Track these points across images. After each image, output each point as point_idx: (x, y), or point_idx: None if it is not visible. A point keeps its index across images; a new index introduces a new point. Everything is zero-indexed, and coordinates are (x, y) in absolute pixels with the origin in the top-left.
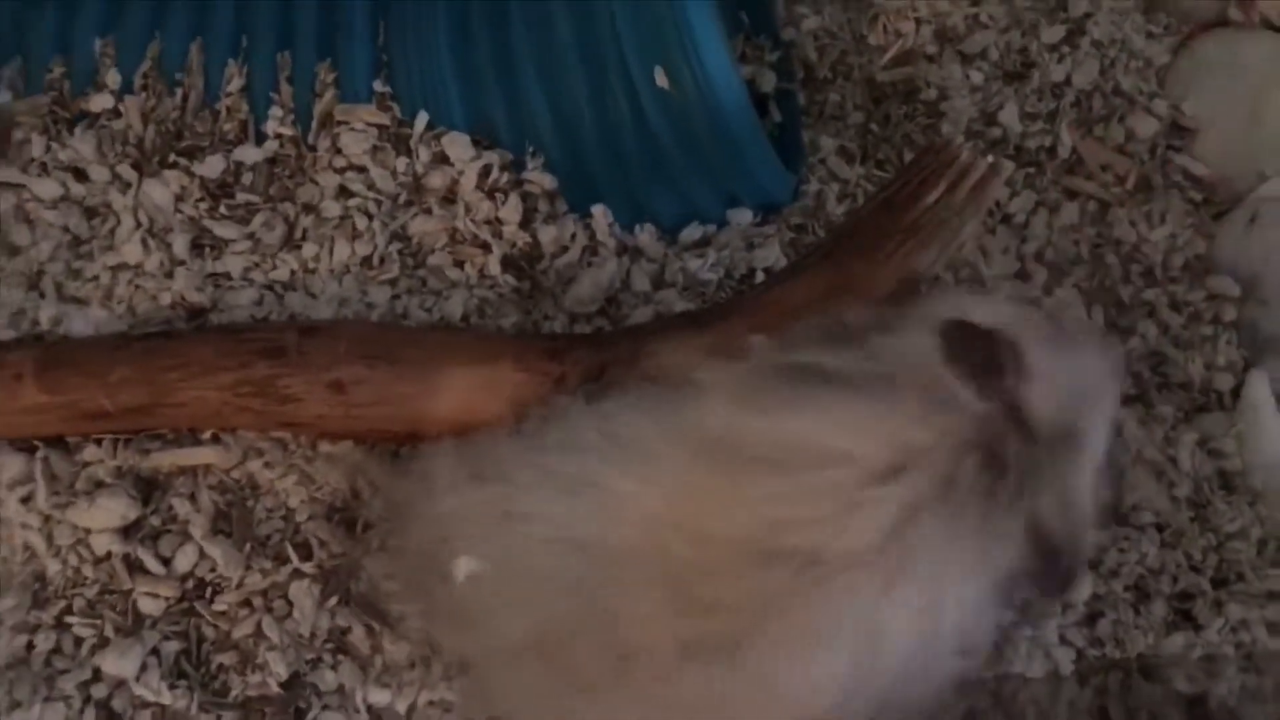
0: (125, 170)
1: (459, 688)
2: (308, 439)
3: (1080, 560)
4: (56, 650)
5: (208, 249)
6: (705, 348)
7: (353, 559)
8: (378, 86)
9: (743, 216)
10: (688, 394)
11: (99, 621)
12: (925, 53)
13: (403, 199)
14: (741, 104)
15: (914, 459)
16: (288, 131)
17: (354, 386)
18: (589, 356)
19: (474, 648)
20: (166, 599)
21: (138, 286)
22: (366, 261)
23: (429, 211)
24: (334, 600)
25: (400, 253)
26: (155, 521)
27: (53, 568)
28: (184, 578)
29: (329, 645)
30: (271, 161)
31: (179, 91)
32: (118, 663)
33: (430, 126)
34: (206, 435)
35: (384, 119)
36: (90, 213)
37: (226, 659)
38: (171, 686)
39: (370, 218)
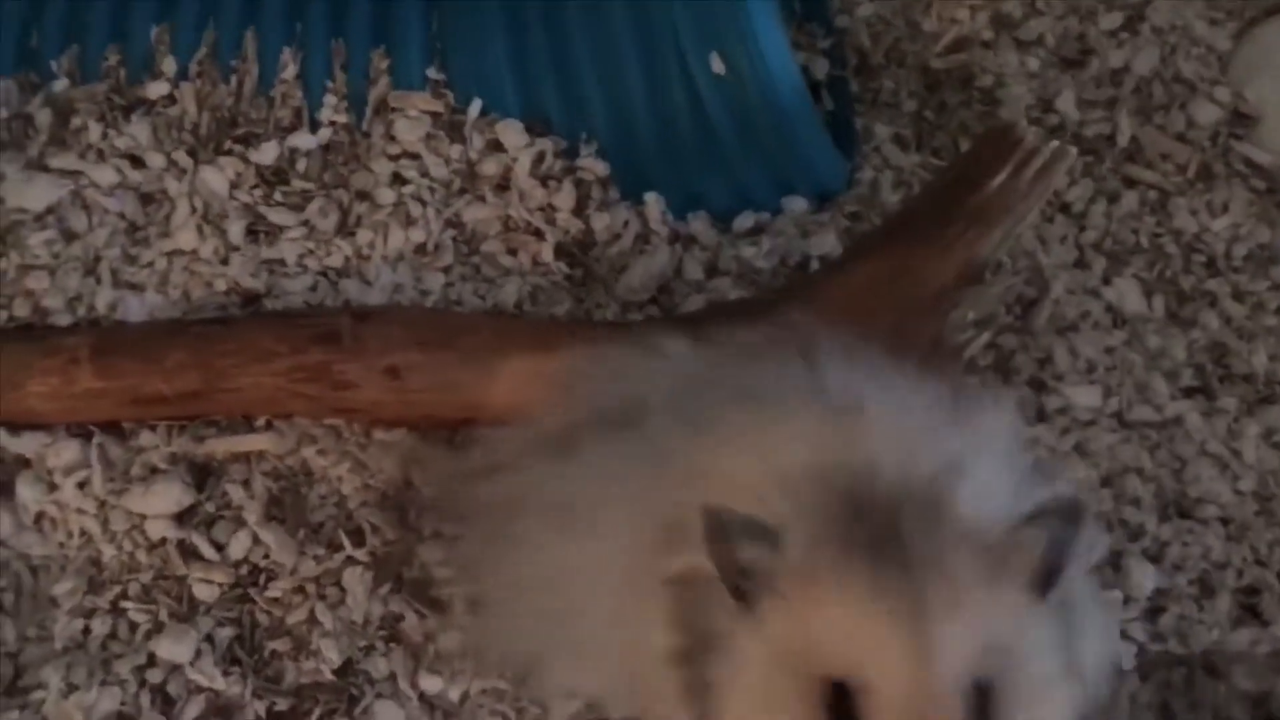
0: (181, 157)
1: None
2: (361, 425)
3: None
4: (112, 635)
5: (262, 235)
6: (761, 335)
7: (406, 546)
8: (432, 74)
9: (797, 204)
10: None
11: (154, 607)
12: (981, 39)
13: (456, 186)
14: (798, 89)
15: None
16: (342, 119)
17: (409, 372)
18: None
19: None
20: (220, 585)
21: (193, 273)
22: (420, 249)
23: (483, 199)
24: (386, 587)
25: (454, 240)
26: (210, 508)
27: (108, 553)
28: (238, 564)
29: (381, 632)
30: (326, 148)
31: (234, 79)
32: (172, 648)
33: (484, 113)
34: (260, 422)
35: (438, 106)
36: (146, 199)
37: (280, 645)
38: (225, 673)
39: (424, 205)
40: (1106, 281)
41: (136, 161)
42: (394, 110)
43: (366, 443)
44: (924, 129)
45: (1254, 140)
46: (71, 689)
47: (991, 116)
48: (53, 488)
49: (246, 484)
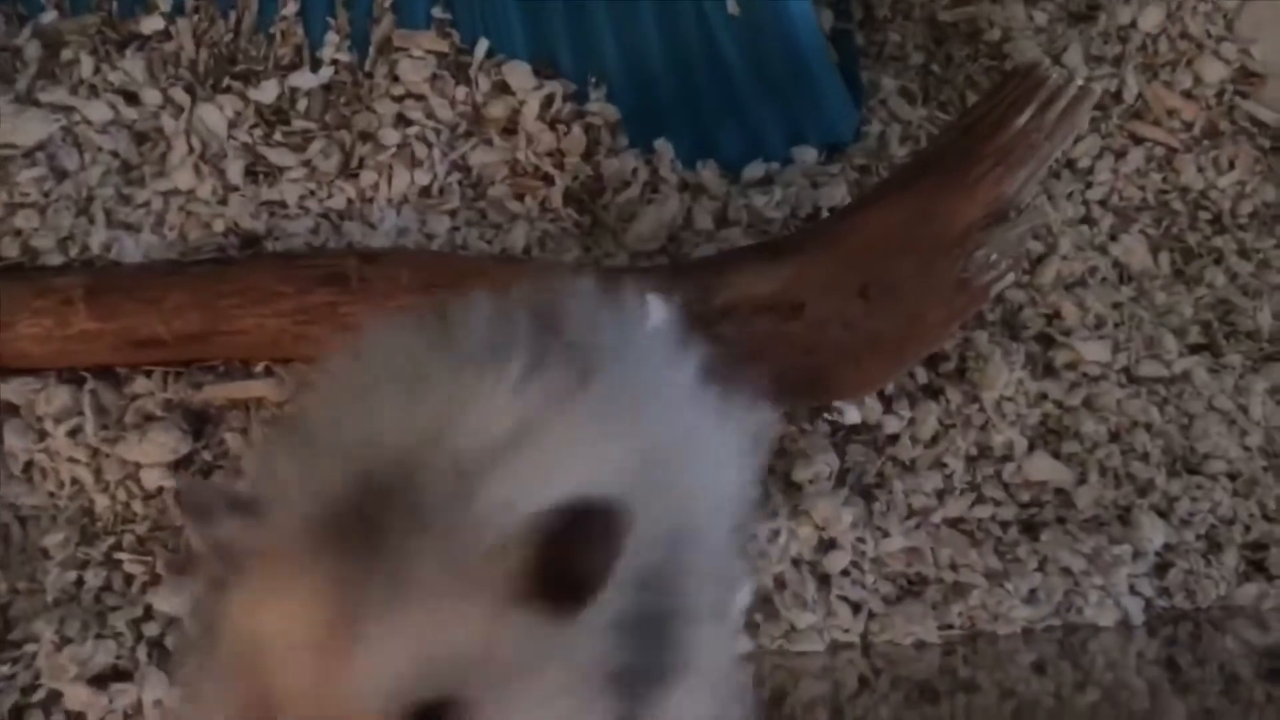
0: (178, 94)
1: None
2: None
3: None
4: (106, 587)
5: (262, 176)
6: (783, 279)
7: None
8: (437, 13)
9: (807, 155)
10: None
11: (150, 558)
12: None
13: (462, 129)
14: (812, 30)
15: None
16: (344, 58)
17: None
18: (658, 291)
19: None
20: None
21: (190, 213)
22: (425, 191)
23: (489, 142)
24: None
25: (460, 183)
26: (207, 456)
27: (101, 503)
28: None
29: None
30: (327, 88)
31: (232, 14)
32: (170, 600)
33: (491, 54)
34: (259, 368)
35: (443, 46)
36: (141, 137)
37: None
38: None
39: (430, 147)
40: (1113, 238)
41: (131, 98)
42: (398, 50)
43: None
44: (931, 83)
45: (1260, 98)
46: (65, 641)
47: (998, 71)
48: (43, 435)
49: (245, 431)
